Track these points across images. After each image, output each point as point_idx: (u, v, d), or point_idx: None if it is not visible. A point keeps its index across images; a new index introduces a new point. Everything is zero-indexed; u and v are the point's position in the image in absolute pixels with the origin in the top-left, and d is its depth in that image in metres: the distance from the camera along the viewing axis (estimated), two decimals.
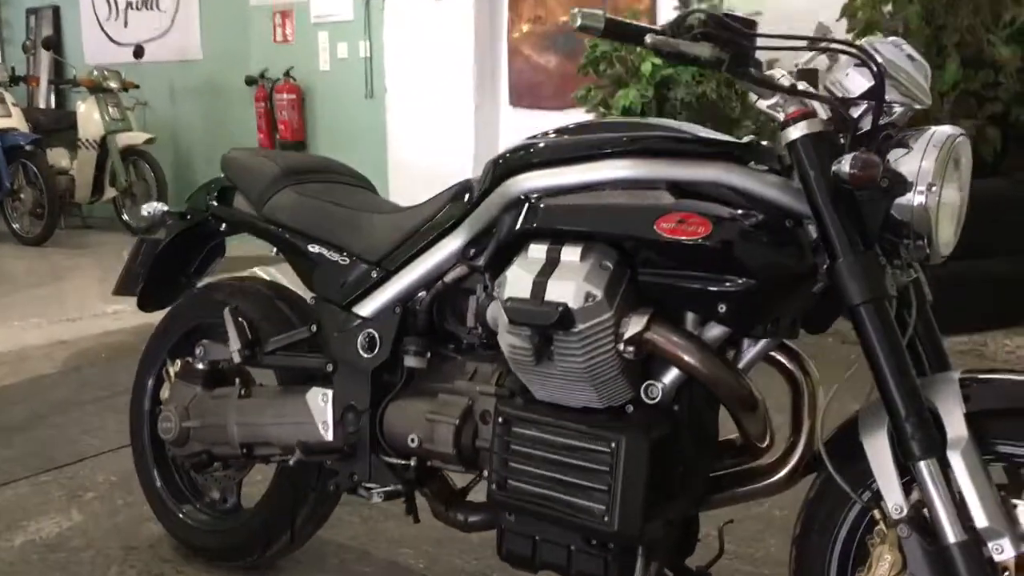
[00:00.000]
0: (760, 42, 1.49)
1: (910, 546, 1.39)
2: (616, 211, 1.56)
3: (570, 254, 1.57)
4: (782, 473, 1.63)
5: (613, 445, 1.54)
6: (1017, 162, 4.26)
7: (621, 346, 1.53)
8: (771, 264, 1.48)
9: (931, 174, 1.42)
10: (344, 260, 1.98)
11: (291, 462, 1.90)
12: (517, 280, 1.59)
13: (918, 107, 1.49)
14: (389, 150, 6.93)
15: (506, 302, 1.59)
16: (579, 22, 1.43)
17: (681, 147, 1.58)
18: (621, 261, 1.56)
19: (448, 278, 1.82)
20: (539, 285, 1.56)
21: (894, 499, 1.40)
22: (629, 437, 1.53)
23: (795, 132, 1.47)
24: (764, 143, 1.61)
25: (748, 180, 1.53)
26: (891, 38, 1.54)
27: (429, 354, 1.87)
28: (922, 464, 1.36)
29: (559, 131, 1.74)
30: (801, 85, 1.49)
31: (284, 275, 2.30)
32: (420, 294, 1.87)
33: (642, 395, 1.58)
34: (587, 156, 1.62)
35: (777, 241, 1.49)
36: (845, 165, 1.38)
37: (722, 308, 1.49)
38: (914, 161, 1.44)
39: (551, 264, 1.58)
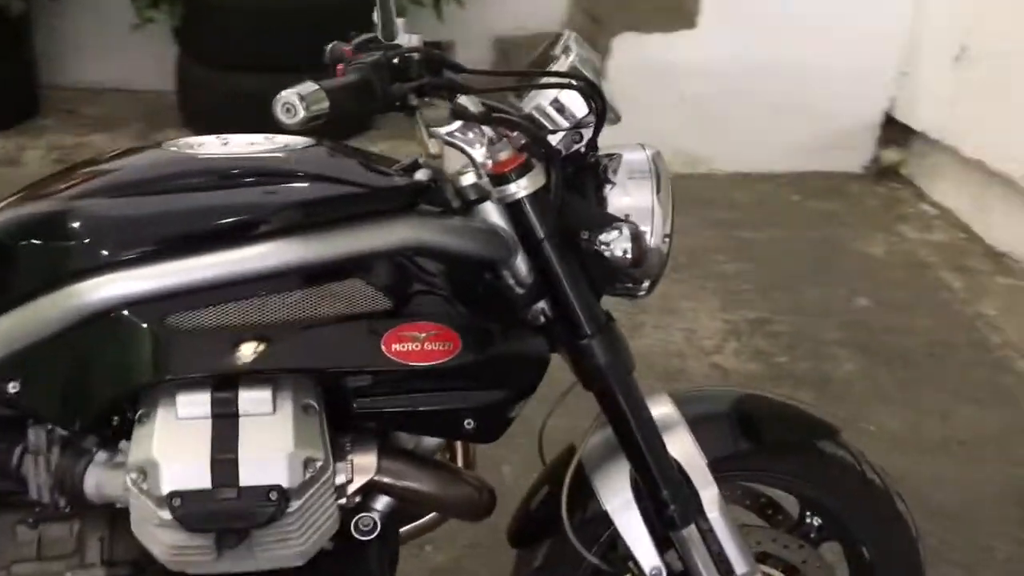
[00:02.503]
0: (475, 81, 1.12)
1: None
2: (318, 333, 1.09)
3: (255, 402, 1.09)
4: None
5: None
6: None
7: (344, 500, 1.15)
8: (525, 362, 1.22)
9: (662, 218, 1.25)
10: None
11: None
12: (182, 466, 1.04)
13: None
14: None
15: (171, 500, 1.04)
16: (301, 113, 0.89)
17: (348, 207, 1.15)
18: (319, 388, 1.13)
19: None
20: (225, 468, 1.05)
21: (650, 564, 1.33)
22: None
23: (518, 190, 1.16)
24: (425, 163, 1.26)
25: (438, 234, 1.19)
26: (570, 35, 1.28)
27: None
28: (684, 531, 1.31)
29: (124, 185, 1.14)
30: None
31: None
32: None
33: (352, 530, 1.22)
34: (207, 243, 1.08)
35: (520, 330, 1.21)
36: (618, 248, 1.15)
37: (469, 424, 1.20)
38: (634, 200, 1.26)
39: (228, 425, 1.06)
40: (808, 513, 1.47)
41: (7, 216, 1.15)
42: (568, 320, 1.21)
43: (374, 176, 1.22)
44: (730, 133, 4.23)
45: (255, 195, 1.14)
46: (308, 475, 1.08)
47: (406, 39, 1.10)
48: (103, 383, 1.10)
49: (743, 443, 1.37)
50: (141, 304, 1.07)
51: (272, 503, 1.06)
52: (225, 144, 1.23)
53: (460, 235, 1.19)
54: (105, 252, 1.08)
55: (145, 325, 1.07)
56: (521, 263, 1.22)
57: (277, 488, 1.06)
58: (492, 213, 1.20)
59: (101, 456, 1.14)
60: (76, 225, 1.09)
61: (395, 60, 1.06)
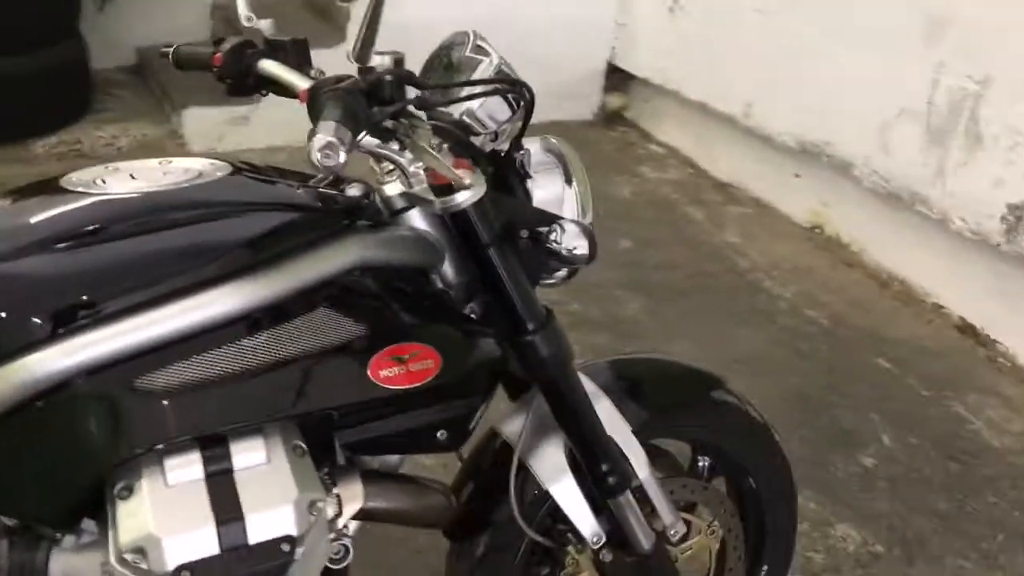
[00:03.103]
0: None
1: (613, 565, 1.45)
2: (303, 372, 1.05)
3: (248, 454, 1.04)
4: None
5: None
6: None
7: (333, 535, 1.13)
8: (487, 366, 1.24)
9: (580, 206, 1.31)
10: None
11: None
12: (186, 537, 0.97)
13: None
14: None
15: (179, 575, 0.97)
16: (342, 154, 0.87)
17: (298, 236, 1.11)
18: (301, 427, 1.10)
19: None
20: (232, 529, 1.00)
21: (591, 531, 1.41)
22: None
23: (465, 199, 1.17)
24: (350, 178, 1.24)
25: (381, 249, 1.18)
26: (476, 34, 1.29)
27: None
28: (620, 498, 1.40)
29: (44, 240, 1.03)
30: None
31: None
32: None
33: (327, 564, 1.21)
34: (157, 295, 1.00)
35: (476, 335, 1.23)
36: (573, 246, 1.19)
37: (442, 436, 1.21)
38: (546, 192, 1.31)
39: (224, 483, 1.01)
40: (699, 456, 1.62)
41: None
42: (511, 318, 1.25)
43: (312, 198, 1.17)
44: None
45: (199, 235, 1.06)
46: (313, 518, 1.04)
47: (378, 60, 1.06)
48: (76, 465, 0.98)
49: (654, 406, 1.48)
50: (101, 371, 0.97)
51: (285, 555, 1.01)
52: (133, 177, 1.12)
53: (399, 246, 1.18)
54: (42, 321, 0.96)
55: (113, 393, 0.97)
56: (448, 266, 1.23)
57: (287, 539, 1.01)
58: (417, 219, 1.21)
59: (68, 541, 1.03)
60: (2, 295, 0.96)
61: (372, 84, 1.02)
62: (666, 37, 4.26)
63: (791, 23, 3.58)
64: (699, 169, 4.25)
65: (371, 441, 1.17)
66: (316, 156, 0.89)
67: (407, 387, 1.12)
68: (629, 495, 1.41)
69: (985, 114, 2.86)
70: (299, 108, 1.15)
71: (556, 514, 1.43)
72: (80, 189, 1.08)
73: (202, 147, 3.97)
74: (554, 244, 1.20)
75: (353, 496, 1.14)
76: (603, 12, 4.52)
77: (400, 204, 1.20)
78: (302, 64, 1.35)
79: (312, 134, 0.90)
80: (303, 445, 1.07)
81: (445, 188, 1.16)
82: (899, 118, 3.16)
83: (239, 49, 1.32)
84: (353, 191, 1.20)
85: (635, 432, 1.42)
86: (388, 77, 1.04)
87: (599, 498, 1.40)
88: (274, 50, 1.34)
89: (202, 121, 3.94)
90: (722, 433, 1.57)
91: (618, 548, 1.44)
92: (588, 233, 1.22)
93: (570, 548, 1.45)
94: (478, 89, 1.18)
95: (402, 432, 1.18)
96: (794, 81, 3.60)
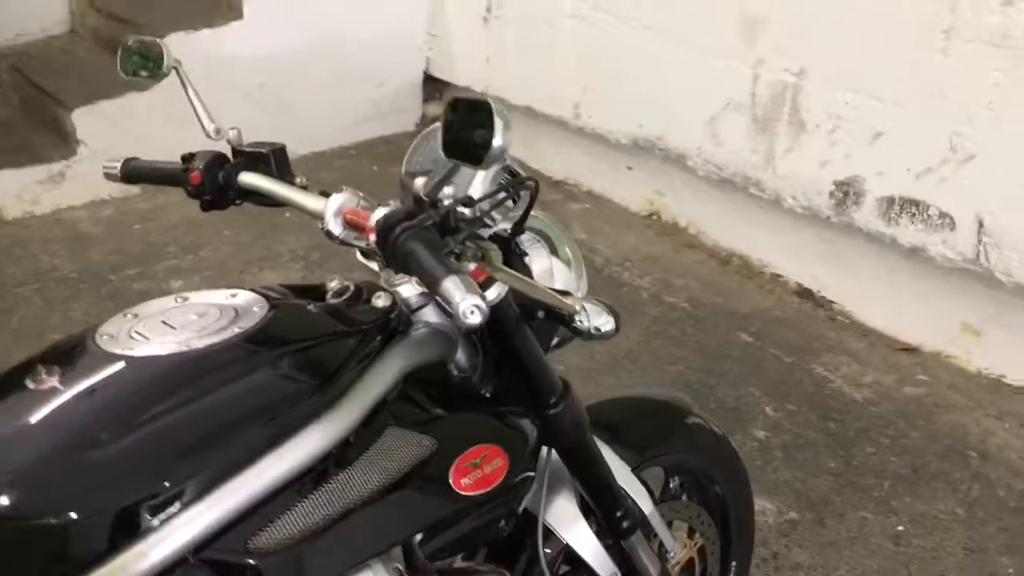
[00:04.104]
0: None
1: None
2: (393, 499, 1.07)
3: None
4: None
5: None
6: None
7: None
8: (532, 447, 1.29)
9: (573, 277, 1.39)
10: None
11: None
12: None
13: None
14: None
15: None
16: (485, 307, 0.89)
17: (354, 364, 1.12)
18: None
19: None
20: None
21: (609, 572, 1.50)
22: None
23: (496, 297, 1.22)
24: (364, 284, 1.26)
25: (415, 352, 1.19)
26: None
27: None
28: (632, 537, 1.50)
29: (115, 420, 0.97)
30: None
31: None
32: None
33: None
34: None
35: (518, 415, 1.28)
36: (604, 324, 1.26)
37: (503, 524, 1.26)
38: (538, 267, 1.38)
39: None
40: (671, 476, 1.75)
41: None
42: (533, 393, 1.31)
43: (346, 318, 1.17)
44: (297, 116, 4.27)
45: (264, 388, 1.03)
46: None
47: (447, 192, 1.08)
48: None
49: (643, 444, 1.59)
50: (208, 546, 0.95)
51: None
52: (169, 326, 1.08)
53: (427, 345, 1.20)
54: (132, 513, 0.92)
55: (229, 564, 0.96)
56: (461, 353, 1.28)
57: None
58: (431, 314, 1.24)
59: None
60: (92, 491, 0.91)
61: (444, 216, 1.04)
62: (483, 45, 4.36)
63: (609, 27, 3.77)
64: (531, 170, 4.39)
65: (447, 546, 1.20)
66: (465, 317, 0.90)
67: (488, 489, 1.16)
68: (639, 532, 1.51)
69: (805, 103, 3.16)
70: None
71: (570, 561, 1.52)
72: (122, 351, 1.03)
73: (18, 212, 3.69)
74: (580, 325, 1.27)
75: None
76: (415, 25, 4.56)
77: (416, 303, 1.22)
78: (284, 173, 1.34)
79: (450, 298, 0.91)
80: (401, 567, 1.10)
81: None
82: (726, 111, 3.42)
83: (215, 164, 1.30)
84: (380, 302, 1.21)
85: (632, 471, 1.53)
86: (456, 208, 1.06)
87: (611, 539, 1.49)
88: (251, 160, 1.32)
89: (13, 184, 3.66)
90: (696, 454, 1.70)
91: None
92: (609, 308, 1.29)
93: None
94: (501, 194, 1.22)
95: (473, 531, 1.22)
96: (620, 81, 3.80)
